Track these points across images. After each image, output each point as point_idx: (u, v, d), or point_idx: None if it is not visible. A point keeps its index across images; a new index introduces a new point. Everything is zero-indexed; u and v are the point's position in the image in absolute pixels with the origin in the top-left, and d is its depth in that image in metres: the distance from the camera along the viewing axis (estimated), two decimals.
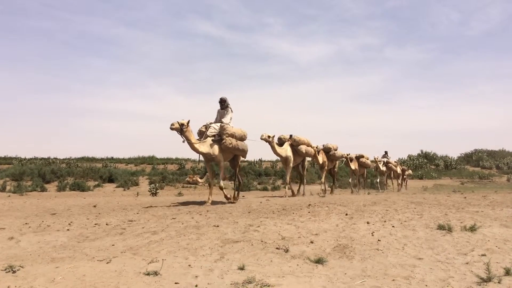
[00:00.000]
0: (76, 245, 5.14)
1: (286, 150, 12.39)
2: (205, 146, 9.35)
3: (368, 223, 6.44)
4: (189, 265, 4.12)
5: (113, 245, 5.12)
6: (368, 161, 18.61)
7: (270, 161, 29.41)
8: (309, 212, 7.45)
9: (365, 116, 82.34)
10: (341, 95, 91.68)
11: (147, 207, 9.01)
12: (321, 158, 14.82)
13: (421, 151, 40.77)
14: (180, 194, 15.36)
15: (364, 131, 72.43)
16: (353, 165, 17.65)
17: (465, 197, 11.47)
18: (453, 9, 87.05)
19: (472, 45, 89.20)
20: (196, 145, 9.15)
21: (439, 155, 39.23)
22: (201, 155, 9.65)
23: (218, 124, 9.83)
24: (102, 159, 28.99)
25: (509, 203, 9.24)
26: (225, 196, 10.15)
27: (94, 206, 9.69)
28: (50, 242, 5.32)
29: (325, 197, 12.13)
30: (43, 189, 16.61)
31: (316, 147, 14.24)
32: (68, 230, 6.16)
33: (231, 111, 10.14)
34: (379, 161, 19.56)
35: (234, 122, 10.19)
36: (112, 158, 30.02)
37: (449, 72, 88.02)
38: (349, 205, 8.47)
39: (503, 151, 42.25)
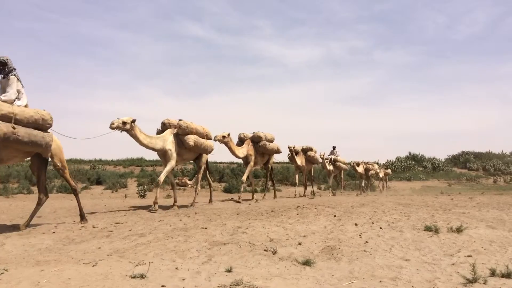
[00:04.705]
0: (62, 248, 5.06)
1: (164, 140, 8.94)
2: None
3: (356, 224, 6.47)
4: (176, 268, 4.09)
5: (99, 248, 5.06)
6: (317, 156, 15.56)
7: None
8: (297, 214, 7.46)
9: (354, 119, 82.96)
10: (330, 98, 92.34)
11: (135, 209, 8.93)
12: (245, 150, 11.39)
13: (409, 153, 41.11)
14: (168, 196, 15.24)
15: (353, 133, 72.92)
16: (299, 160, 14.29)
17: (452, 199, 11.62)
18: (440, 12, 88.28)
19: (458, 49, 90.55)
20: None
21: (427, 157, 39.58)
22: None
23: None
24: (90, 161, 28.75)
25: (495, 205, 9.37)
26: None
27: None
28: (35, 245, 5.23)
29: (314, 199, 12.17)
30: (30, 192, 16.37)
31: (241, 135, 11.83)
32: (53, 232, 6.07)
33: (17, 80, 6.45)
34: (326, 159, 16.16)
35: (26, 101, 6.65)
36: (100, 160, 29.79)
37: (436, 75, 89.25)
38: (338, 207, 8.51)
39: (489, 153, 42.74)
